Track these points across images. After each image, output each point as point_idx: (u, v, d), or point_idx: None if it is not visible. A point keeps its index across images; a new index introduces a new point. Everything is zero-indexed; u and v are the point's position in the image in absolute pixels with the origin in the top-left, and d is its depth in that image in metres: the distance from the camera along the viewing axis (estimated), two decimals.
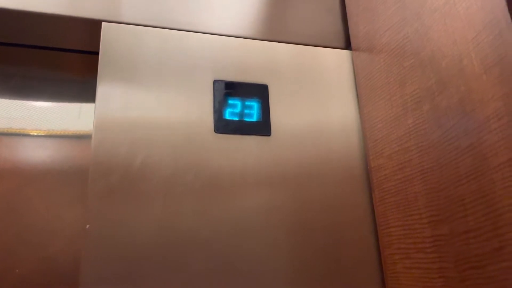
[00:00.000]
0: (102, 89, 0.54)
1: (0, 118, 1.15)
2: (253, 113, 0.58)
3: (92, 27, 0.57)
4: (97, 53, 0.56)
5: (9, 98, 0.96)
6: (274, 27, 0.65)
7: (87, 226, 0.47)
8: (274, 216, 0.54)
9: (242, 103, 0.58)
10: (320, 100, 0.62)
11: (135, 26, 0.58)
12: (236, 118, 0.57)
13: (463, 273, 0.42)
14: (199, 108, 0.56)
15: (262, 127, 0.57)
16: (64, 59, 0.69)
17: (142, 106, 0.54)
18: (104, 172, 0.50)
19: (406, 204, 0.51)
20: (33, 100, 0.98)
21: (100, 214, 0.48)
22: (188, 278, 0.48)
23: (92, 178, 0.50)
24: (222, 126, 0.56)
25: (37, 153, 1.18)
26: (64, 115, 1.21)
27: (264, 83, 0.60)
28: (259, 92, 0.59)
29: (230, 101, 0.57)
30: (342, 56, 0.66)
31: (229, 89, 0.58)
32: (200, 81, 0.58)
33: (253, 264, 0.51)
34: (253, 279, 0.50)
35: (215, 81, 0.58)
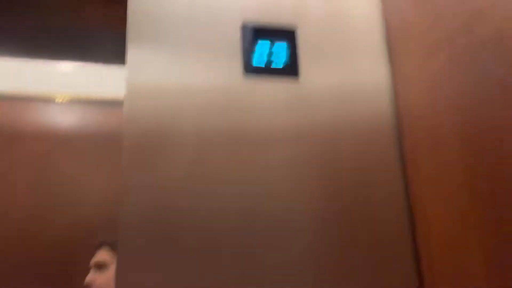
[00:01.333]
0: (131, 37, 0.53)
1: (27, 83, 1.17)
2: (282, 56, 0.57)
3: None
4: (120, 2, 0.56)
5: (36, 58, 0.97)
6: None
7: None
8: (301, 166, 0.54)
9: (270, 47, 0.57)
10: (349, 47, 0.61)
11: None
12: (265, 59, 0.56)
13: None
14: (227, 52, 0.55)
15: (290, 70, 0.57)
16: (89, 8, 0.69)
17: (172, 57, 0.54)
18: (138, 123, 0.50)
19: (437, 148, 0.50)
20: (59, 60, 0.99)
21: (135, 162, 0.49)
22: (213, 229, 0.49)
23: (127, 130, 0.50)
24: (251, 69, 0.55)
25: (64, 118, 1.21)
26: (89, 79, 1.22)
27: (292, 27, 0.59)
28: (287, 36, 0.58)
29: (258, 45, 0.56)
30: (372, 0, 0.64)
31: (257, 33, 0.57)
32: (228, 24, 0.57)
33: (280, 219, 0.51)
34: (280, 236, 0.51)
35: (243, 25, 0.57)
